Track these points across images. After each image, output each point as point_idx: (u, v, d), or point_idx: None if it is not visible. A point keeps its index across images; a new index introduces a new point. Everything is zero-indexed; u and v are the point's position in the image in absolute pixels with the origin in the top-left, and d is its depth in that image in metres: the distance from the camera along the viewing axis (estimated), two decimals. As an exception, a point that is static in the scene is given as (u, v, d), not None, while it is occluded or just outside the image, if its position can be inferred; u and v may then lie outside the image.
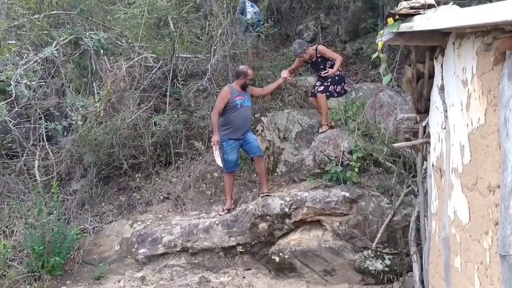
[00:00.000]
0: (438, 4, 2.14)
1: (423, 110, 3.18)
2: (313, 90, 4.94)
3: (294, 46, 4.93)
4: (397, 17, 2.25)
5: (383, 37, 2.43)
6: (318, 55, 4.85)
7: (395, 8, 2.31)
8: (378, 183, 4.26)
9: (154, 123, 5.11)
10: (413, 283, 3.57)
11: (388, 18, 2.29)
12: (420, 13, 2.14)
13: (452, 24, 1.77)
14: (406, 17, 2.23)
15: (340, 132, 4.55)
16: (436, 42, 2.43)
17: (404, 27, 2.19)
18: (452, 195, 2.32)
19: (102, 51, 5.13)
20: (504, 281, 1.53)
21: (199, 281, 4.10)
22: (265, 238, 4.20)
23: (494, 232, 1.66)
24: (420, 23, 2.04)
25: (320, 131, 4.76)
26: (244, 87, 4.62)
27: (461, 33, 2.04)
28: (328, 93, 4.78)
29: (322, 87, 4.79)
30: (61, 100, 5.25)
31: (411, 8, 2.19)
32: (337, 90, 4.83)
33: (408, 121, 3.53)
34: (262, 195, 4.38)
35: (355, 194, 4.09)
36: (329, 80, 4.78)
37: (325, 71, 4.74)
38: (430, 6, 2.15)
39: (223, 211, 4.51)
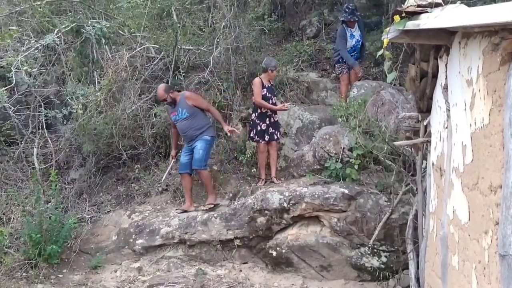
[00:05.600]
0: (445, 3, 2.13)
1: (425, 109, 3.18)
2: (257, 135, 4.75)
3: (271, 61, 4.76)
4: (403, 14, 2.25)
5: (389, 35, 2.43)
6: (271, 83, 4.84)
7: (402, 5, 2.30)
8: (377, 180, 4.27)
9: (155, 114, 5.10)
10: (409, 281, 3.60)
11: (395, 16, 2.28)
12: (427, 11, 2.13)
13: (460, 23, 1.76)
14: (412, 15, 2.22)
15: (341, 129, 4.56)
16: (442, 41, 2.43)
17: (411, 25, 2.18)
18: (452, 194, 2.33)
19: (103, 40, 5.09)
20: (503, 280, 1.54)
21: (196, 273, 4.12)
22: (263, 232, 4.22)
23: (494, 232, 1.67)
24: (427, 21, 2.04)
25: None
26: (169, 104, 4.59)
27: (468, 33, 2.03)
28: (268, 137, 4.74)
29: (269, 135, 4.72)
30: (61, 88, 5.22)
31: (418, 6, 2.19)
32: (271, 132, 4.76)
33: (409, 119, 3.54)
34: (205, 206, 4.44)
35: (354, 191, 4.10)
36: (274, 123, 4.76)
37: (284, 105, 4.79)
38: (437, 5, 2.14)
39: (176, 209, 4.61)
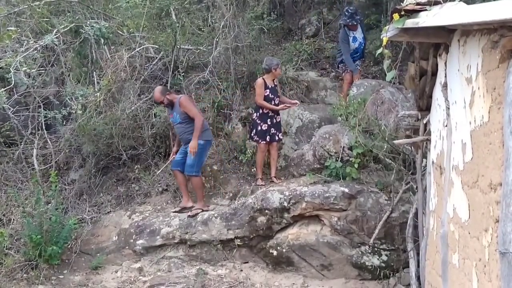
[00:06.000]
0: (444, 1, 2.13)
1: (425, 107, 3.19)
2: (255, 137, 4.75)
3: (272, 61, 4.71)
4: (402, 13, 2.25)
5: (388, 33, 2.43)
6: (275, 83, 4.80)
7: (401, 4, 2.30)
8: (377, 179, 4.27)
9: (154, 114, 5.09)
10: (409, 279, 3.61)
11: (394, 14, 2.28)
12: (426, 9, 2.13)
13: (459, 20, 1.76)
14: (411, 13, 2.22)
15: (340, 128, 4.56)
16: (441, 39, 2.43)
17: (410, 23, 2.18)
18: (452, 193, 2.33)
19: (102, 40, 5.08)
20: (503, 278, 1.54)
21: (196, 273, 4.12)
22: (263, 232, 4.22)
23: (494, 230, 1.67)
24: (426, 19, 2.04)
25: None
26: (167, 106, 4.63)
27: (467, 30, 2.03)
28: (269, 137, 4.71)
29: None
30: (60, 89, 5.21)
31: (417, 4, 2.18)
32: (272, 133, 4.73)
33: (409, 118, 3.54)
34: (191, 211, 4.42)
35: (354, 190, 4.10)
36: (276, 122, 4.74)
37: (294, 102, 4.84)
38: (436, 3, 2.14)
39: (173, 210, 4.60)
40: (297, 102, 4.94)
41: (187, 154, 4.49)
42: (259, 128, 4.71)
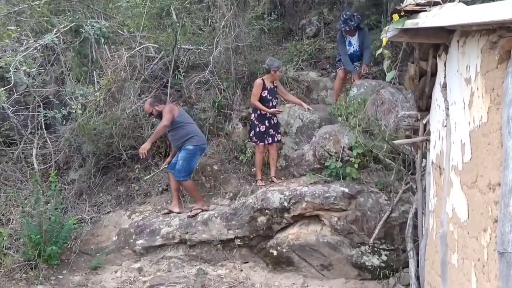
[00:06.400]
0: (444, 2, 2.14)
1: (424, 107, 3.19)
2: (251, 137, 4.76)
3: (273, 62, 4.69)
4: (402, 13, 2.25)
5: (387, 33, 2.44)
6: (275, 84, 4.78)
7: (401, 4, 2.30)
8: (377, 179, 4.27)
9: (154, 114, 5.09)
10: (409, 279, 3.61)
11: (394, 14, 2.29)
12: (425, 10, 2.13)
13: (458, 21, 1.76)
14: (411, 13, 2.23)
15: (341, 128, 4.56)
16: (440, 40, 2.43)
17: (410, 23, 2.19)
18: (451, 193, 2.34)
19: (103, 39, 5.08)
20: (501, 278, 1.54)
21: (196, 273, 4.12)
22: (263, 232, 4.22)
23: (493, 230, 1.67)
24: (426, 19, 2.04)
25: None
26: (156, 117, 4.68)
27: (466, 31, 2.03)
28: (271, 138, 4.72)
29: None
30: (60, 88, 5.22)
31: (417, 4, 2.19)
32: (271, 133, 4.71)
33: (409, 118, 3.54)
34: (191, 211, 4.44)
35: (354, 190, 4.10)
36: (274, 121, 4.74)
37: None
38: (435, 3, 2.14)
39: (163, 212, 4.61)
40: (310, 108, 4.87)
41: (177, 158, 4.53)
42: (257, 129, 4.71)
